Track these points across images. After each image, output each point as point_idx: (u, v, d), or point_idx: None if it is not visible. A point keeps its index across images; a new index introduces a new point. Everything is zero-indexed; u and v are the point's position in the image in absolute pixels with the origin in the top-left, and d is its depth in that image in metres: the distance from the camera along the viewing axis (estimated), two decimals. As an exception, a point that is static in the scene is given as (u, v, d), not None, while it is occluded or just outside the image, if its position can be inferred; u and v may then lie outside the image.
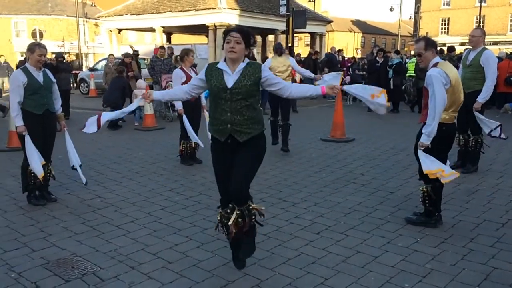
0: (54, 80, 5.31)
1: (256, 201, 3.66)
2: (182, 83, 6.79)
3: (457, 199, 5.28)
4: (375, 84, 13.44)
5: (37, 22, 40.08)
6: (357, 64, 20.10)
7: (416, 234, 4.29)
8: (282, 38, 21.16)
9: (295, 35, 19.94)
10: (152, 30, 23.46)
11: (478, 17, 38.57)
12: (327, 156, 7.66)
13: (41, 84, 5.06)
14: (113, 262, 3.74)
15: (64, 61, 13.24)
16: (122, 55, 14.12)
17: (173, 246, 4.06)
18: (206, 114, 6.30)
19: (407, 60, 17.15)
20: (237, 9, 20.08)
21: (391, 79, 13.77)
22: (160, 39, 22.66)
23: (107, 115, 4.05)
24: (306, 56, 20.17)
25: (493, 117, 6.47)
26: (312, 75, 7.89)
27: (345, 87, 3.47)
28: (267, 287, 3.35)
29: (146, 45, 32.17)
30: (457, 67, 6.22)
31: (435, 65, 4.23)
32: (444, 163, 4.37)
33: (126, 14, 22.74)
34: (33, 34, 26.35)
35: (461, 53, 13.02)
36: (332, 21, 30.50)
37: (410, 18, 56.94)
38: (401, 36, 46.61)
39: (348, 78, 16.96)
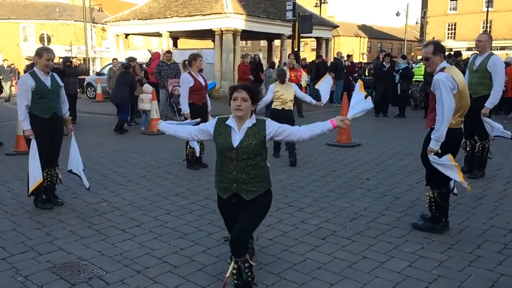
0: (62, 84, 5.35)
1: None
2: (190, 87, 6.84)
3: (464, 205, 5.25)
4: (383, 89, 13.55)
5: (45, 27, 40.38)
6: (362, 69, 20.08)
7: (422, 240, 4.27)
8: (288, 43, 21.18)
9: (301, 40, 19.93)
10: (158, 35, 23.53)
11: (485, 22, 38.45)
12: (333, 161, 7.64)
13: (49, 88, 5.10)
14: (119, 266, 3.75)
15: (72, 65, 13.31)
16: (126, 59, 14.18)
17: (179, 251, 4.06)
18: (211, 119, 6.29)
19: (414, 65, 17.14)
20: (243, 14, 20.10)
21: (399, 84, 13.73)
22: (166, 43, 22.73)
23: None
24: (310, 61, 20.23)
25: (501, 123, 6.43)
26: (313, 101, 7.72)
27: (349, 115, 3.40)
28: (273, 292, 3.34)
29: (153, 49, 32.26)
30: (463, 72, 6.20)
31: (442, 69, 4.21)
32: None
33: (133, 19, 22.84)
34: (41, 39, 26.49)
35: (468, 58, 12.97)
36: (338, 26, 30.45)
37: (416, 23, 56.82)
38: (407, 41, 46.58)
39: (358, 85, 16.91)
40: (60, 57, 19.37)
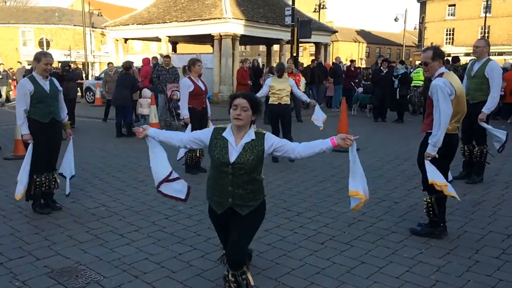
0: (60, 88, 5.35)
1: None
2: (190, 92, 6.85)
3: (462, 210, 5.25)
4: (381, 94, 13.59)
5: (44, 31, 40.49)
6: (361, 74, 20.13)
7: (421, 245, 4.27)
8: (287, 48, 21.22)
9: (300, 45, 19.97)
10: (158, 39, 23.58)
11: (483, 27, 38.57)
12: (331, 166, 7.64)
13: (48, 93, 5.10)
14: (117, 271, 3.74)
15: (70, 70, 13.30)
16: (122, 63, 14.17)
17: (177, 256, 4.06)
18: (211, 125, 6.30)
19: (412, 70, 17.20)
20: (242, 19, 20.16)
21: (397, 89, 13.77)
22: (165, 48, 22.77)
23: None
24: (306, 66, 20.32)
25: (499, 128, 6.44)
26: (308, 99, 8.22)
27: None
28: (271, 297, 3.34)
29: (151, 54, 32.33)
30: (462, 78, 6.23)
31: (441, 75, 4.23)
32: (446, 173, 4.36)
33: (132, 24, 22.88)
34: (40, 43, 26.54)
35: (466, 63, 13.02)
36: (337, 31, 30.52)
37: (415, 29, 57.09)
38: (406, 46, 46.71)
39: (360, 89, 17.00)
40: (59, 61, 19.39)
